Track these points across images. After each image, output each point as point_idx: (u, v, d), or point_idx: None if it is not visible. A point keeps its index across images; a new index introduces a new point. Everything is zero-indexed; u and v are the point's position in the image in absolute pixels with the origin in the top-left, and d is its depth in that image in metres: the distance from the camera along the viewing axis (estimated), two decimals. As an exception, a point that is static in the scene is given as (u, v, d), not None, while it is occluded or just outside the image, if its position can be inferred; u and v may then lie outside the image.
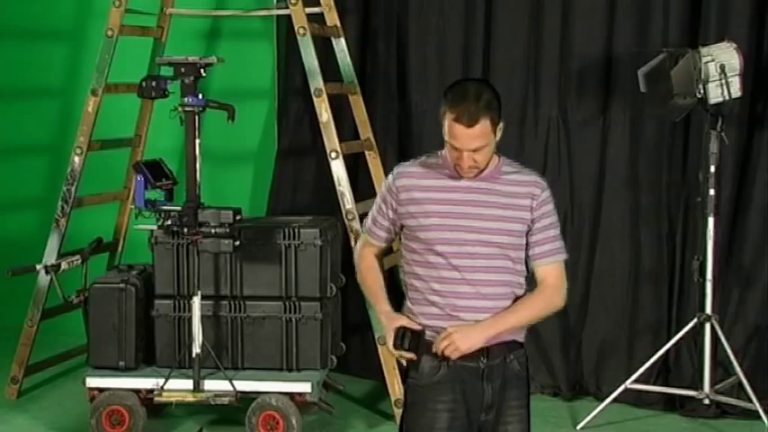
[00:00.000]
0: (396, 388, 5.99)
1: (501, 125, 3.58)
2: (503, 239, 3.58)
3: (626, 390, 6.04)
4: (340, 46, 6.66)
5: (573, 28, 6.57)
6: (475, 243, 3.56)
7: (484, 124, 3.52)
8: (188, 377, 5.71)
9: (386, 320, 3.66)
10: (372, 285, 3.77)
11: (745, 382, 5.82)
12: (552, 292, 3.66)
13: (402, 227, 3.67)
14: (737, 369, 5.85)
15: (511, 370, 3.63)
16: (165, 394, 5.76)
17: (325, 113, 6.14)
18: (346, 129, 6.66)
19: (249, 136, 7.45)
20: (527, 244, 3.63)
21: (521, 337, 3.68)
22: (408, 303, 3.67)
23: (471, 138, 3.51)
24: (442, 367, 3.58)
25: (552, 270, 3.66)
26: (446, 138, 3.57)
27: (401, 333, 3.59)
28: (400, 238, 3.74)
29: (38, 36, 7.91)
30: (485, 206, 3.58)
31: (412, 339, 3.58)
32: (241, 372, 5.87)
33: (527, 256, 3.64)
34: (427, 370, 3.60)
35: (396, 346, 3.60)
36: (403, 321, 3.61)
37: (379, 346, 6.04)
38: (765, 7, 6.28)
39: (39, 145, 7.99)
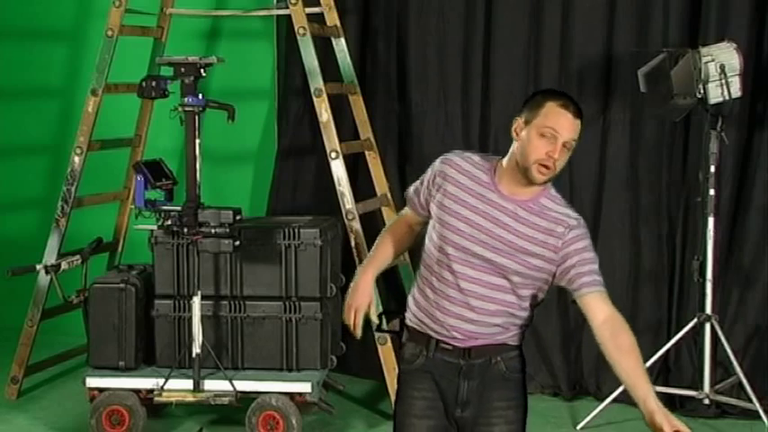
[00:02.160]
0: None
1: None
2: (511, 265, 3.49)
3: (626, 390, 6.03)
4: (340, 46, 6.66)
5: (573, 28, 6.57)
6: (482, 258, 3.50)
7: (580, 124, 3.47)
8: (188, 377, 5.71)
9: (360, 282, 3.72)
10: (379, 244, 3.80)
11: (745, 382, 5.82)
12: (620, 318, 3.55)
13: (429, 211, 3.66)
14: (737, 369, 5.85)
15: (495, 371, 3.59)
16: (165, 394, 5.76)
17: (325, 113, 6.14)
18: (346, 129, 6.66)
19: (249, 136, 7.45)
20: (565, 281, 3.50)
21: (514, 340, 3.61)
22: (413, 289, 3.68)
23: (573, 128, 3.44)
24: (421, 357, 3.59)
25: (600, 299, 3.49)
26: (542, 124, 3.43)
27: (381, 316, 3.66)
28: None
29: (38, 36, 7.90)
30: (506, 229, 3.49)
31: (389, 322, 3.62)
32: (241, 372, 5.87)
33: (570, 292, 3.52)
34: (407, 357, 3.64)
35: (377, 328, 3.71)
36: (366, 300, 3.66)
37: (379, 346, 6.04)
38: (765, 7, 6.28)
39: (39, 145, 7.98)
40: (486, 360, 3.58)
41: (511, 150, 3.54)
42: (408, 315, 3.69)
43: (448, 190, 3.56)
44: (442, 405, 3.60)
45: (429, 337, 3.59)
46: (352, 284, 3.73)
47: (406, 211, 3.81)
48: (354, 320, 3.68)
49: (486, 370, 3.58)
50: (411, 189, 3.76)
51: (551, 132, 3.43)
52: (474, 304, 3.52)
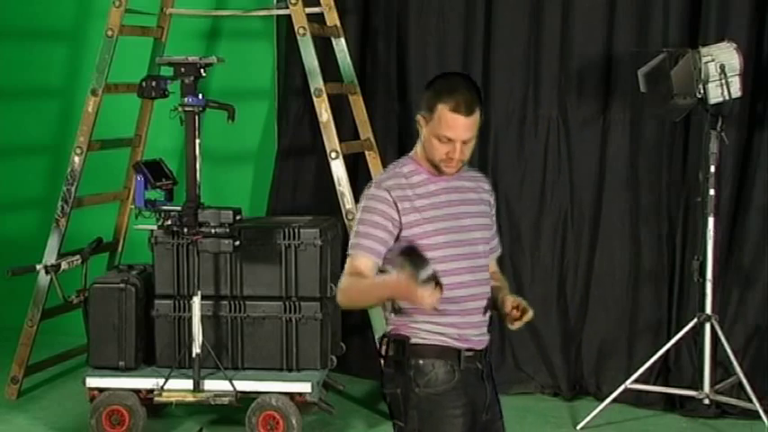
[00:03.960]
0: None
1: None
2: (485, 234, 3.67)
3: (626, 390, 6.04)
4: (340, 46, 6.66)
5: (573, 28, 6.57)
6: (474, 242, 3.59)
7: (477, 114, 3.55)
8: (188, 377, 5.71)
9: (396, 279, 3.38)
10: (362, 282, 3.53)
11: (745, 382, 5.82)
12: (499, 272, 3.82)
13: (397, 239, 3.55)
14: (737, 369, 5.85)
15: (490, 367, 3.69)
16: (165, 394, 5.76)
17: (325, 113, 6.14)
18: (346, 129, 6.66)
19: (249, 136, 7.45)
20: None
21: None
22: (401, 316, 3.58)
23: (468, 127, 3.53)
24: (456, 373, 3.56)
25: (495, 261, 3.78)
26: (437, 131, 3.52)
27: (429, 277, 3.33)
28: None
29: (38, 36, 7.91)
30: (470, 204, 3.65)
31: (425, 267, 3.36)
32: (241, 372, 5.87)
33: None
34: (442, 377, 3.56)
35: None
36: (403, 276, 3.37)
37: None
38: (765, 7, 6.28)
39: (39, 145, 7.99)
40: (486, 358, 3.66)
41: (419, 141, 3.63)
42: (422, 335, 3.58)
43: (415, 205, 3.55)
44: (473, 418, 3.60)
45: (454, 349, 3.56)
46: (400, 287, 3.39)
47: (364, 267, 3.52)
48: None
49: (489, 368, 3.67)
50: (365, 242, 3.52)
51: (446, 138, 3.53)
52: (486, 290, 3.60)
